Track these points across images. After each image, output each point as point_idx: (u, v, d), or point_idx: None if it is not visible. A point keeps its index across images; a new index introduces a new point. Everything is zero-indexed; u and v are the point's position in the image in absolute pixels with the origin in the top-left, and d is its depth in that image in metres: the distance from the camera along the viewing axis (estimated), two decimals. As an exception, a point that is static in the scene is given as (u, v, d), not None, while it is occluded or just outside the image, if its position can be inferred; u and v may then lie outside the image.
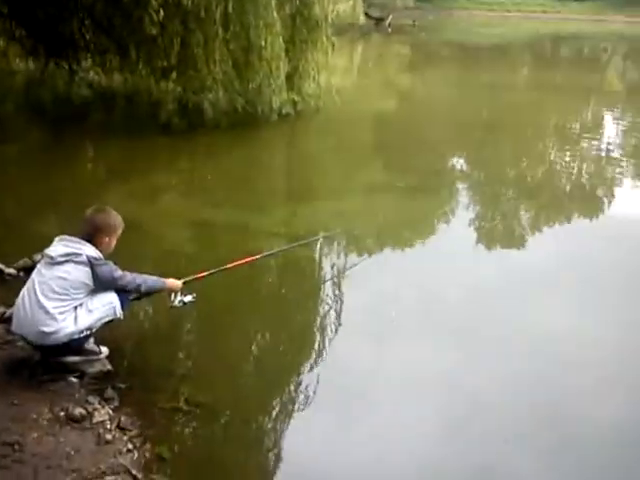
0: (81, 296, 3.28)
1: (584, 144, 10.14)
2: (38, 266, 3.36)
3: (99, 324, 3.35)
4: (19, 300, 3.29)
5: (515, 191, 7.67)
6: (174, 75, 9.90)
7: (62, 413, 3.06)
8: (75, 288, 3.24)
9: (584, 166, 9.10)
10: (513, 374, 3.89)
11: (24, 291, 3.30)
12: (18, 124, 9.99)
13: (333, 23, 11.48)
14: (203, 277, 3.94)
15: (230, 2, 8.69)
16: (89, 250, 3.29)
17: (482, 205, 7.17)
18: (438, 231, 6.29)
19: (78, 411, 3.05)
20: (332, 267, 5.33)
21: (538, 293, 4.87)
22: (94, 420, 3.05)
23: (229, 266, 4.14)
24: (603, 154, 9.60)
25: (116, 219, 3.48)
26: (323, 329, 4.34)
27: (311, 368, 3.86)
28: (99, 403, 3.20)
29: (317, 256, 5.64)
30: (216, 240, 5.82)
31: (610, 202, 7.38)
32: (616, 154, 9.60)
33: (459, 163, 8.64)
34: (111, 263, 3.38)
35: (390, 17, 36.74)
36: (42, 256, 3.39)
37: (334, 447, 3.26)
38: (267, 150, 9.34)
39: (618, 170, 8.67)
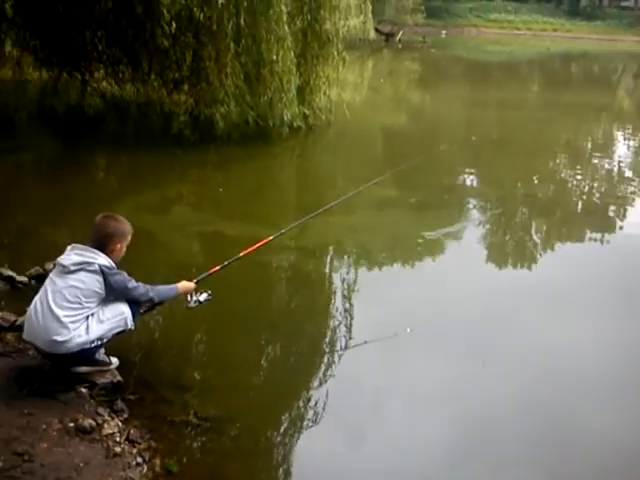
0: (93, 305, 3.26)
1: (595, 162, 10.11)
2: (51, 275, 3.35)
3: (110, 334, 3.33)
4: (31, 308, 3.28)
5: (526, 208, 7.64)
6: (186, 87, 9.98)
7: (72, 424, 3.02)
8: (87, 297, 3.23)
9: (595, 184, 9.06)
10: (528, 392, 3.84)
11: (36, 299, 3.28)
12: (31, 133, 10.04)
13: (344, 38, 11.54)
14: (216, 272, 3.86)
15: (242, 16, 8.74)
16: (102, 259, 3.28)
17: (493, 222, 7.14)
18: (449, 247, 6.25)
19: (88, 422, 3.02)
20: (343, 281, 5.29)
21: (550, 310, 4.84)
22: (103, 432, 3.02)
23: (242, 254, 4.02)
24: (614, 172, 9.57)
25: (126, 225, 3.48)
26: (333, 343, 4.30)
27: (321, 383, 3.83)
28: (109, 415, 3.17)
29: (328, 270, 5.63)
30: (226, 252, 5.73)
31: (622, 220, 7.33)
32: (627, 172, 9.57)
33: (470, 180, 8.62)
34: (124, 273, 3.37)
35: (401, 33, 36.96)
36: (54, 265, 3.38)
37: (343, 464, 3.22)
38: (278, 163, 9.36)
39: (630, 188, 8.63)
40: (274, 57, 9.00)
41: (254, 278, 5.42)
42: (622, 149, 11.58)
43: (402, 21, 37.76)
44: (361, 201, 7.60)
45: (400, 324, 4.48)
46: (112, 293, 3.32)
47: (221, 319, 4.54)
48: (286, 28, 9.16)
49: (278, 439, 3.38)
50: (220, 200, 7.16)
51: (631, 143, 12.36)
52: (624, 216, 7.46)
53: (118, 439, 3.02)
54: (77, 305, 3.20)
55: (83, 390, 3.31)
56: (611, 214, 7.53)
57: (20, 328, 3.54)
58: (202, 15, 9.16)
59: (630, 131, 13.53)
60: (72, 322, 3.17)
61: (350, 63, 13.55)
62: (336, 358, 4.11)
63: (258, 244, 4.23)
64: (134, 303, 3.43)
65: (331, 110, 10.71)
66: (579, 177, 9.32)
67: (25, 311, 3.39)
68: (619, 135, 13.15)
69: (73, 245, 3.37)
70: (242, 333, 4.40)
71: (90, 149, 9.00)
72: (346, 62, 10.89)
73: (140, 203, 6.70)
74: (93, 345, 3.27)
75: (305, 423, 3.48)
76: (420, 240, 6.25)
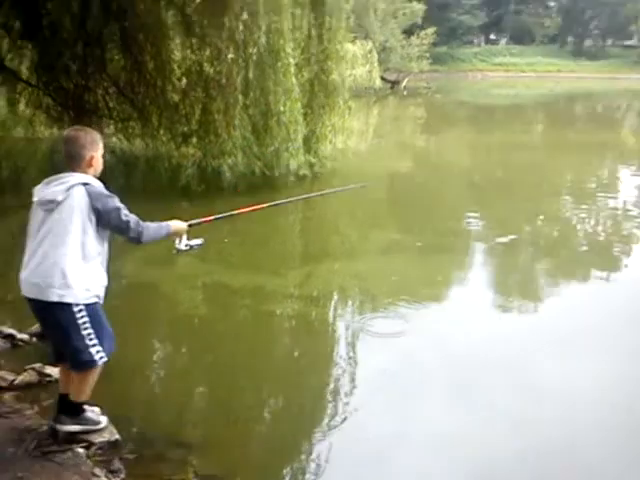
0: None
1: (600, 202, 10.08)
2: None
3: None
4: None
5: (531, 250, 7.62)
6: (194, 140, 10.16)
7: (68, 487, 2.99)
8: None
9: (601, 224, 9.02)
10: (538, 439, 3.75)
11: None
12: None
13: (350, 87, 11.76)
14: (210, 221, 3.78)
15: (251, 69, 8.97)
16: (78, 177, 3.15)
17: (499, 264, 7.11)
18: (455, 291, 6.21)
19: (84, 485, 2.98)
20: (347, 328, 5.26)
21: (557, 354, 4.76)
22: (99, 494, 2.98)
23: (236, 212, 3.97)
24: (620, 212, 9.53)
25: (93, 132, 3.30)
26: (337, 392, 4.24)
27: (324, 435, 3.75)
28: (105, 476, 3.11)
29: (331, 316, 5.60)
30: (231, 302, 5.81)
31: (628, 260, 7.27)
32: (633, 211, 9.52)
33: (475, 222, 8.62)
34: (115, 198, 3.25)
35: (406, 80, 37.62)
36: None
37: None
38: (283, 212, 9.40)
39: (635, 228, 8.58)
40: (281, 108, 9.17)
41: (256, 327, 5.42)
42: (628, 187, 11.55)
43: (408, 68, 38.33)
44: (365, 246, 7.64)
45: (405, 372, 4.44)
46: (101, 215, 3.17)
47: (221, 371, 4.52)
48: (294, 79, 9.36)
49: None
50: (225, 250, 7.21)
51: (636, 181, 12.33)
52: (630, 256, 7.40)
53: (114, 501, 2.97)
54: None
55: (80, 450, 3.26)
56: (617, 254, 7.48)
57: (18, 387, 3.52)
58: (212, 70, 9.40)
59: (635, 169, 13.52)
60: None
61: (356, 110, 13.76)
62: (340, 409, 4.04)
63: (253, 207, 4.19)
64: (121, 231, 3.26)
65: (336, 158, 10.86)
66: (584, 216, 9.29)
67: (24, 370, 3.37)
68: (624, 173, 13.15)
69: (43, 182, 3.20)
70: (243, 385, 4.35)
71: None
72: (352, 110, 11.07)
73: (146, 255, 6.73)
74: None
75: (307, 478, 3.41)
76: (424, 284, 6.23)
